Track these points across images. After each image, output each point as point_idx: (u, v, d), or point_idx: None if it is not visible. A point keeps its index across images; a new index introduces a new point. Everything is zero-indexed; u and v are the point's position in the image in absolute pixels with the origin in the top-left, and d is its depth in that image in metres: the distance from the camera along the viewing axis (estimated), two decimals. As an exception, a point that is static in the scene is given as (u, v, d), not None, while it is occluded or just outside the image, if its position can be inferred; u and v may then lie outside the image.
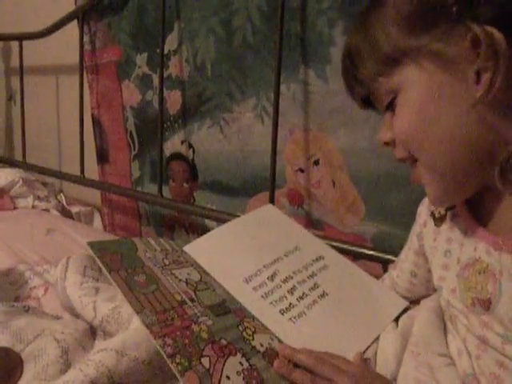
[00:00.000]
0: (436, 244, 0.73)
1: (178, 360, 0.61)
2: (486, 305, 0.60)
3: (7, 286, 1.13)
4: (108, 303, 0.90)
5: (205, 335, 0.67)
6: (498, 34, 0.52)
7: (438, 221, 0.72)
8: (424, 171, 0.64)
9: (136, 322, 0.85)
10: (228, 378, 0.62)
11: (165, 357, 0.61)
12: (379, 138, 0.68)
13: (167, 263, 0.83)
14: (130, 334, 0.79)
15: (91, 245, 0.80)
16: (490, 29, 0.52)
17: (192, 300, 0.74)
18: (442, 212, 0.72)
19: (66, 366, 0.81)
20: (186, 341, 0.65)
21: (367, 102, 0.69)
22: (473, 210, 0.67)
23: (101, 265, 0.76)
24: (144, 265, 0.80)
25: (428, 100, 0.58)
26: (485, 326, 0.60)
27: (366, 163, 1.20)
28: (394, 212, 1.17)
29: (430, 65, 0.57)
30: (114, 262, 0.78)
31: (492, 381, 0.59)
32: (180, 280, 0.78)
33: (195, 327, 0.68)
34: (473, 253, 0.64)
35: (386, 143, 0.67)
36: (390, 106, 0.63)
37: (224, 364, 0.64)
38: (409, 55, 0.58)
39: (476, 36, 0.53)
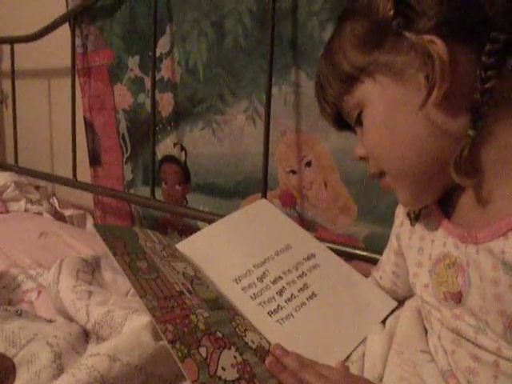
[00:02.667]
0: (411, 242, 0.76)
1: (177, 346, 0.63)
2: (458, 298, 0.62)
3: (0, 289, 1.13)
4: (101, 307, 0.90)
5: (202, 326, 0.68)
6: (438, 41, 0.55)
7: (413, 220, 0.75)
8: (393, 180, 0.68)
9: (129, 326, 0.85)
10: (223, 369, 0.63)
11: (166, 342, 0.63)
12: (354, 154, 0.72)
13: (165, 255, 0.84)
14: (123, 338, 0.79)
15: (97, 227, 0.83)
16: (429, 37, 0.55)
17: (189, 292, 0.75)
18: (417, 211, 0.74)
19: (59, 370, 0.80)
20: (185, 329, 0.66)
21: (341, 124, 0.74)
22: (443, 206, 0.70)
23: (106, 247, 0.78)
24: (145, 253, 0.81)
25: (385, 110, 0.62)
26: (457, 318, 0.62)
27: (358, 164, 1.19)
28: (385, 213, 1.17)
29: (382, 77, 0.61)
30: (118, 246, 0.80)
31: (468, 374, 0.61)
32: (178, 272, 0.80)
33: (193, 317, 0.69)
34: (442, 248, 0.66)
35: (361, 158, 0.71)
36: (359, 122, 0.67)
37: (220, 355, 0.65)
38: (364, 71, 0.63)
39: (416, 45, 0.57)
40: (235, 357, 0.66)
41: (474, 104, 0.56)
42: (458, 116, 0.58)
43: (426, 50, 0.56)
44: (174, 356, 0.62)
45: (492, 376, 0.58)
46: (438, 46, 0.55)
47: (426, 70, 0.57)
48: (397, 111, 0.61)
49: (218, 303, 0.76)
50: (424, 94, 0.57)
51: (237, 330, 0.72)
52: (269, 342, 0.73)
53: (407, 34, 0.57)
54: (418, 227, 0.74)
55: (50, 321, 0.99)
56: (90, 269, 1.05)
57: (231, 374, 0.63)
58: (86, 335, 0.92)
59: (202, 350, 0.64)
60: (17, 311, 1.00)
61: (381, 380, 0.70)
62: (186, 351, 0.62)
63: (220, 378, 0.62)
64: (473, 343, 0.60)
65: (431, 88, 0.56)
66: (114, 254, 0.76)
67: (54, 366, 0.80)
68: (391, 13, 0.58)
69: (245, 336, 0.71)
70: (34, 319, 0.98)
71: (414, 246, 0.75)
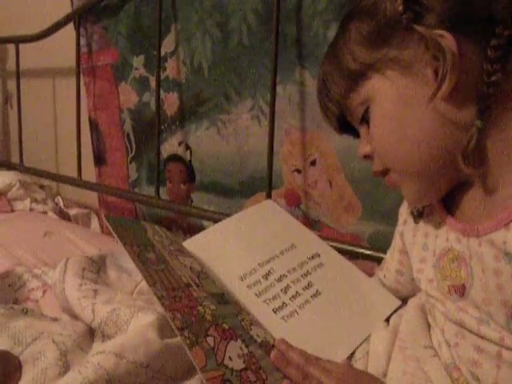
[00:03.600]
0: (415, 239, 0.77)
1: (186, 334, 0.64)
2: (461, 291, 0.64)
3: (5, 288, 1.13)
4: (106, 305, 0.90)
5: (209, 317, 0.69)
6: (447, 35, 0.56)
7: (417, 218, 0.76)
8: (400, 177, 0.68)
9: (135, 325, 0.85)
10: (230, 358, 0.64)
11: (175, 329, 0.64)
12: (359, 152, 0.73)
13: (172, 249, 0.85)
14: (129, 336, 0.79)
15: (108, 219, 0.85)
16: (439, 31, 0.56)
17: (196, 285, 0.76)
18: (420, 209, 0.75)
19: (65, 368, 0.80)
20: (193, 319, 0.67)
21: (343, 126, 0.75)
22: (446, 203, 0.71)
23: (116, 237, 0.79)
24: (154, 245, 0.83)
25: (394, 104, 0.63)
26: (461, 310, 0.63)
27: (362, 163, 1.19)
28: (390, 211, 1.17)
29: (391, 72, 0.62)
30: (128, 237, 0.81)
31: (471, 366, 0.62)
32: (185, 266, 0.81)
33: (200, 308, 0.70)
34: (446, 243, 0.68)
35: (366, 156, 0.72)
36: (365, 119, 0.68)
37: (226, 346, 0.66)
38: (372, 67, 0.64)
39: (426, 39, 0.58)
40: (241, 348, 0.67)
41: (480, 96, 0.57)
42: (465, 108, 0.59)
43: (437, 43, 0.56)
44: (182, 343, 0.62)
45: (495, 366, 0.59)
46: (448, 40, 0.56)
47: (435, 64, 0.58)
48: (405, 104, 0.62)
49: (224, 298, 0.77)
50: (433, 88, 0.58)
51: (242, 323, 0.72)
52: (273, 338, 0.74)
53: (418, 27, 0.57)
54: (422, 224, 0.75)
55: (56, 319, 0.99)
56: (96, 267, 1.05)
57: (238, 364, 0.64)
58: (91, 333, 0.92)
59: (210, 340, 0.65)
60: (22, 310, 1.00)
61: (385, 376, 0.71)
62: (194, 339, 0.63)
63: (227, 366, 0.63)
64: (476, 335, 0.61)
65: (441, 81, 0.57)
66: (124, 244, 0.77)
67: (59, 363, 0.81)
68: (401, 8, 0.59)
69: (250, 330, 0.72)
70: (40, 317, 0.99)
71: (419, 242, 0.75)
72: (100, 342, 0.90)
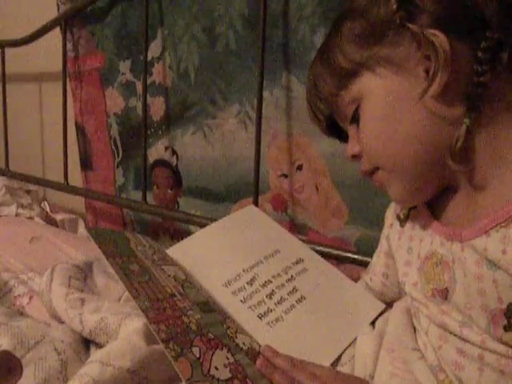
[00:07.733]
0: (400, 242, 0.78)
1: (171, 346, 0.63)
2: (444, 294, 0.64)
3: (-9, 294, 1.13)
4: (94, 315, 0.89)
5: (194, 327, 0.68)
6: (440, 35, 0.57)
7: (403, 221, 0.76)
8: (390, 175, 0.68)
9: (123, 332, 0.85)
10: (216, 368, 0.64)
11: (159, 341, 0.63)
12: (347, 152, 0.74)
13: (156, 259, 0.84)
14: (115, 344, 0.79)
15: (90, 231, 0.85)
16: (431, 31, 0.57)
17: (181, 294, 0.76)
18: (406, 213, 0.76)
19: (64, 382, 0.80)
20: (178, 329, 0.66)
21: (331, 127, 0.75)
22: (431, 207, 0.72)
23: (99, 249, 0.78)
24: (137, 256, 0.82)
25: (385, 101, 0.64)
26: (444, 313, 0.64)
27: (349, 167, 1.20)
28: (377, 215, 1.17)
29: (382, 70, 0.63)
30: (111, 249, 0.80)
31: (454, 369, 0.63)
32: (169, 275, 0.80)
33: (185, 319, 0.69)
34: (430, 246, 0.68)
35: (354, 156, 0.73)
36: (354, 119, 0.69)
37: (212, 356, 0.65)
38: (364, 65, 0.64)
39: (419, 38, 0.58)
40: (227, 357, 0.66)
41: (469, 96, 0.59)
42: (455, 106, 0.60)
43: (430, 42, 0.57)
44: (167, 355, 0.62)
45: (477, 369, 0.60)
46: (440, 39, 0.57)
47: (426, 62, 0.59)
48: (396, 102, 0.63)
49: (209, 306, 0.77)
50: (424, 86, 0.59)
51: (228, 331, 0.72)
52: (259, 344, 0.74)
53: (411, 26, 0.58)
54: (407, 228, 0.76)
55: (49, 325, 0.98)
56: (82, 275, 1.05)
57: (224, 374, 0.64)
58: (87, 341, 0.92)
59: (195, 350, 0.64)
60: (18, 310, 0.99)
61: (372, 379, 0.71)
62: (179, 350, 0.63)
63: (213, 377, 0.62)
64: (459, 337, 0.62)
65: (432, 79, 0.58)
66: (107, 257, 0.77)
67: (60, 376, 0.80)
68: (394, 7, 0.59)
69: (236, 338, 0.72)
70: (38, 320, 0.98)
71: (404, 245, 0.76)
72: (94, 349, 0.90)
